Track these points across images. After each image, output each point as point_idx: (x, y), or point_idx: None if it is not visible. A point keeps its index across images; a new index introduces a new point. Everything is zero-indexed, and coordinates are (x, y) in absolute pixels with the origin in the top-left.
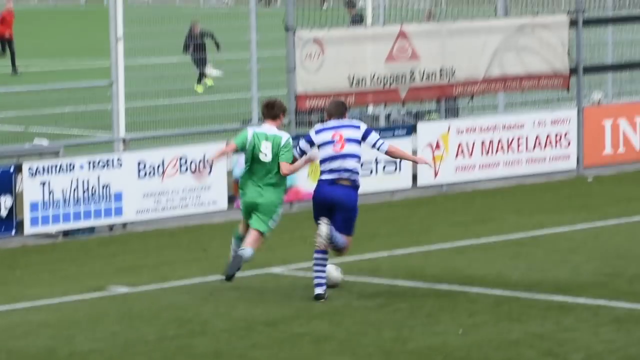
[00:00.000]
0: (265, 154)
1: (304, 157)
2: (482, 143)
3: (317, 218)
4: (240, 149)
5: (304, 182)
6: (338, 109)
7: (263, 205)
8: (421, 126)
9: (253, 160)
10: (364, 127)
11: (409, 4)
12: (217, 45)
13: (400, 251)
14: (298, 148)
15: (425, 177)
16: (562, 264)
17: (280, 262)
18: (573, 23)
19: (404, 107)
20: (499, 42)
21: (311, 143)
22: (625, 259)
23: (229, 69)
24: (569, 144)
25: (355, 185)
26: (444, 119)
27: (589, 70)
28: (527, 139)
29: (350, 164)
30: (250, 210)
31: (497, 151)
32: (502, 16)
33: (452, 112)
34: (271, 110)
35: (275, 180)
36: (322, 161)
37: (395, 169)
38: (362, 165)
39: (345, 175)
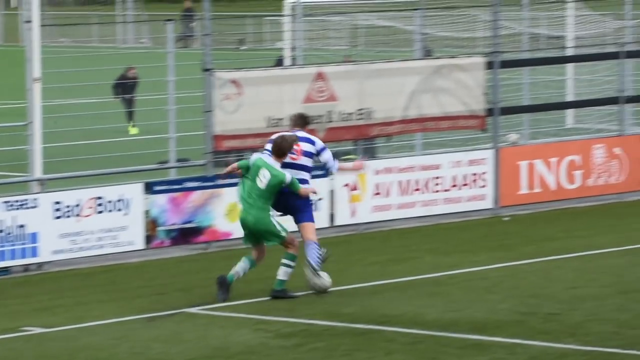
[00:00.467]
0: (261, 180)
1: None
2: (400, 183)
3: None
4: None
5: (222, 221)
6: (299, 120)
7: (256, 223)
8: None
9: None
10: (318, 144)
11: (326, 45)
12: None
13: None
14: None
15: (343, 217)
16: (478, 303)
17: (197, 302)
18: (489, 64)
19: None
20: (417, 83)
21: None
22: (540, 298)
23: (147, 109)
24: (485, 184)
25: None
26: (361, 160)
27: (505, 111)
28: (444, 178)
29: (303, 175)
30: (246, 229)
31: (414, 191)
32: (419, 57)
33: (370, 153)
34: (278, 150)
35: (262, 204)
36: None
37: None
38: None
39: None
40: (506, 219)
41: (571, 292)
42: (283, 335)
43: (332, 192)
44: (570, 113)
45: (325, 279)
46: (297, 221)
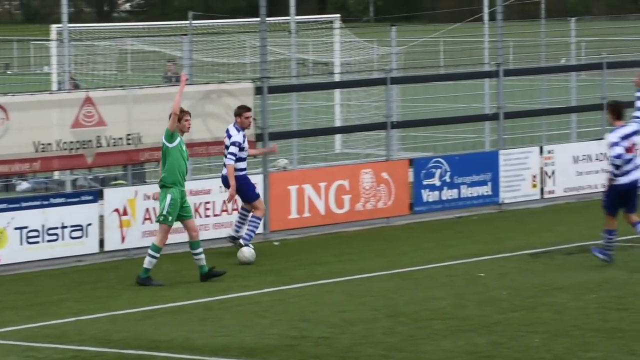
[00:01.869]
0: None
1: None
2: None
3: None
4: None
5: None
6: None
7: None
8: (108, 192)
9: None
10: (233, 138)
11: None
12: None
13: (86, 317)
14: None
15: (113, 243)
16: (248, 328)
17: None
18: (258, 90)
19: (90, 172)
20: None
21: None
22: (310, 322)
23: None
24: None
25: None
26: (131, 185)
27: (274, 136)
28: (214, 203)
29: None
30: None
31: None
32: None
33: (139, 178)
34: None
35: None
36: None
37: (82, 235)
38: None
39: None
40: (276, 243)
41: (341, 315)
42: None
43: (101, 218)
44: (338, 138)
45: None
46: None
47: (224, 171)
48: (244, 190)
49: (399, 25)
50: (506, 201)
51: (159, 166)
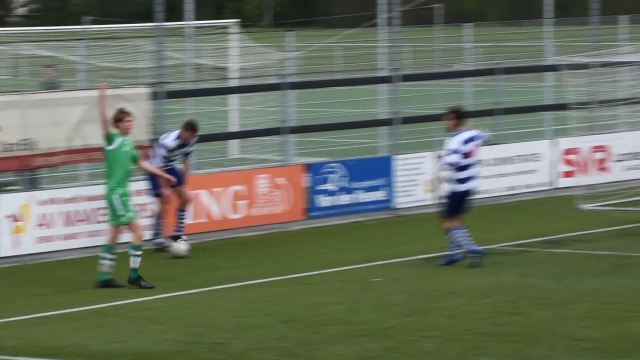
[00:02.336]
0: None
1: None
2: (64, 214)
3: None
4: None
5: None
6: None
7: None
8: (2, 197)
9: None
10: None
11: None
12: None
13: None
14: None
15: (5, 249)
16: (142, 334)
17: None
18: (154, 95)
19: None
20: (82, 113)
21: None
22: (204, 328)
23: None
24: (151, 214)
25: None
26: (25, 190)
27: None
28: None
29: None
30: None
31: (79, 222)
32: (84, 88)
33: (34, 183)
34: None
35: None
36: None
37: None
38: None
39: None
40: None
41: (235, 321)
42: None
43: None
44: (234, 143)
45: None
46: None
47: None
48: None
49: (296, 30)
50: (401, 206)
51: (53, 171)
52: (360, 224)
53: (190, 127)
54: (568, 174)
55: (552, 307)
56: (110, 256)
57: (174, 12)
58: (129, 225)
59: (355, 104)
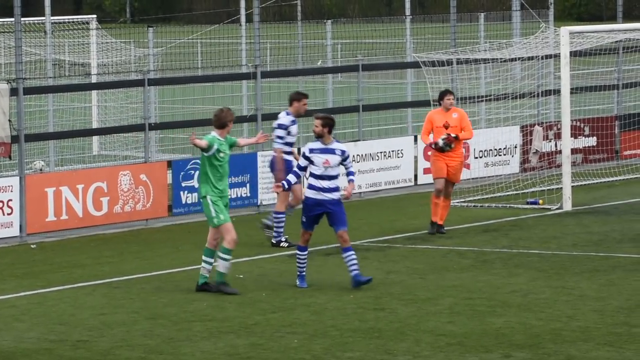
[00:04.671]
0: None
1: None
2: None
3: None
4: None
5: None
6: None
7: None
8: None
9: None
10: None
11: None
12: None
13: None
14: None
15: None
16: (5, 332)
17: None
18: (13, 91)
19: None
20: None
21: None
22: (69, 325)
23: None
24: (11, 211)
25: None
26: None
27: (30, 138)
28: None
29: None
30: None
31: None
32: None
33: None
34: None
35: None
36: None
37: None
38: None
39: None
40: (33, 246)
41: (100, 318)
42: None
43: None
44: (96, 140)
45: None
46: None
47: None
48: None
49: (156, 26)
50: (265, 202)
51: None
52: None
53: (298, 94)
54: (429, 171)
55: (416, 302)
56: (210, 260)
57: (33, 8)
58: (219, 228)
59: (219, 100)
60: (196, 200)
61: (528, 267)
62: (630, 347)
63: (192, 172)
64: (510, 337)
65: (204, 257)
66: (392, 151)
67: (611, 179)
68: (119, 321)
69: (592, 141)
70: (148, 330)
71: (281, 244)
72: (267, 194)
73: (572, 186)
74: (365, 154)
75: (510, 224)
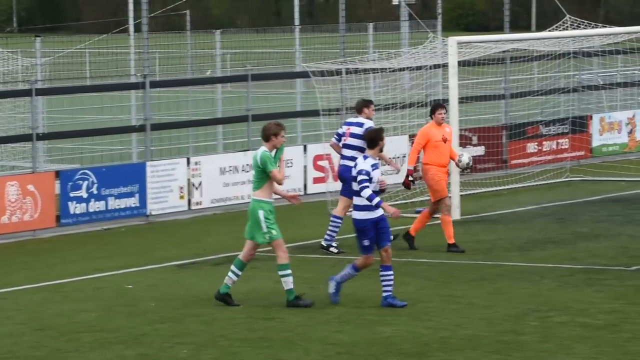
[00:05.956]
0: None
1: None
2: None
3: None
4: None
5: None
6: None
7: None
8: None
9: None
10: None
11: None
12: None
13: None
14: None
15: None
16: None
17: None
18: None
19: None
20: None
21: None
22: None
23: None
24: None
25: None
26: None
27: None
28: None
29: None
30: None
31: None
32: None
33: None
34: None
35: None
36: None
37: None
38: None
39: None
40: None
41: None
42: None
43: None
44: None
45: None
46: None
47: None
48: None
49: (44, 36)
50: (154, 212)
51: None
52: (113, 231)
53: (365, 102)
54: (319, 180)
55: (305, 312)
56: (238, 272)
57: None
58: (271, 243)
59: (107, 110)
60: (84, 211)
61: (417, 276)
62: (517, 355)
63: (80, 182)
64: (399, 346)
65: (232, 268)
66: None
67: (499, 188)
68: (6, 333)
69: (480, 150)
70: (36, 341)
71: (331, 249)
72: (157, 204)
73: (461, 195)
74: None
75: (399, 232)
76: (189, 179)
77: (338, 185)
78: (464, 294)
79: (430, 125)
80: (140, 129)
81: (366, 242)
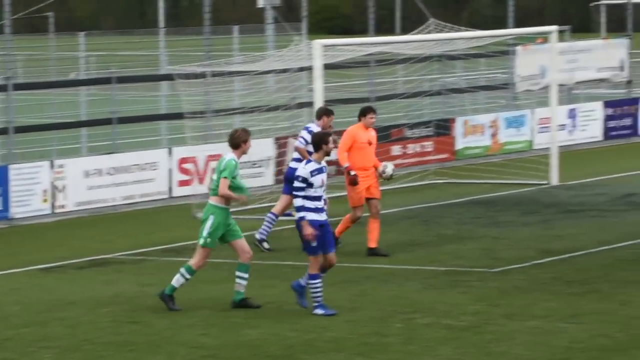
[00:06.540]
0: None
1: None
2: None
3: None
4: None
5: None
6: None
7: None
8: None
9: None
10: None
11: None
12: None
13: None
14: None
15: None
16: None
17: None
18: None
19: None
20: None
21: None
22: None
23: None
24: None
25: None
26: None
27: None
28: None
29: None
30: None
31: None
32: None
33: None
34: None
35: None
36: None
37: None
38: None
39: None
40: None
41: None
42: None
43: None
44: None
45: None
46: None
47: None
48: None
49: None
50: (17, 216)
51: None
52: None
53: (326, 110)
54: (184, 183)
55: (170, 315)
56: (245, 275)
57: None
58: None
59: None
60: None
61: (282, 279)
62: (381, 357)
63: None
64: (264, 349)
65: (238, 273)
66: (147, 164)
67: None
68: None
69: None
70: None
71: (263, 243)
72: (20, 207)
73: (327, 198)
74: (120, 167)
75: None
76: (52, 182)
77: (203, 189)
78: (329, 297)
79: (357, 127)
80: (3, 131)
81: (314, 244)
